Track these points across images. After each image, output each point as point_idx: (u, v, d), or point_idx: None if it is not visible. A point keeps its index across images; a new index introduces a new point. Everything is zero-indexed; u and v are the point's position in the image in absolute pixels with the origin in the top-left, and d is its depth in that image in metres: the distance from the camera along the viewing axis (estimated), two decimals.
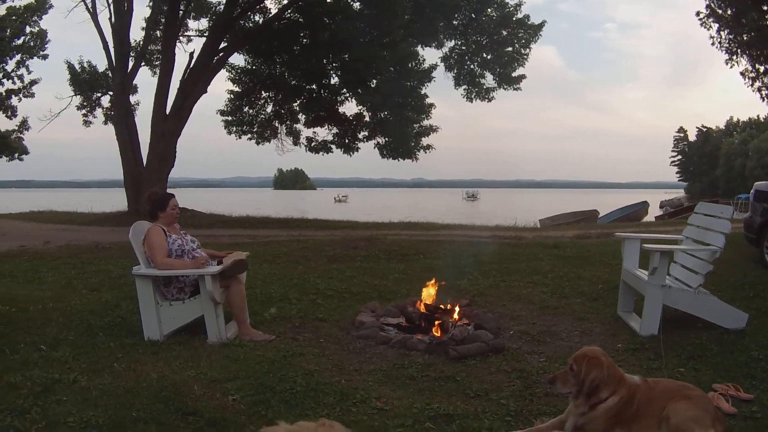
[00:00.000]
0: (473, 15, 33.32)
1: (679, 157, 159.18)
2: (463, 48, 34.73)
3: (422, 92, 34.38)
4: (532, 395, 6.07)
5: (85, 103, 42.07)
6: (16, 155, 56.51)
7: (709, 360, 6.94)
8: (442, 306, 8.92)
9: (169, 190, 9.48)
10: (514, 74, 34.39)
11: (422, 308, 8.93)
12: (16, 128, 55.75)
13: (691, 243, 8.88)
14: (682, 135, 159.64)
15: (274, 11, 34.60)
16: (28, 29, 53.62)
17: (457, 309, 8.91)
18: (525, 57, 34.07)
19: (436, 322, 8.47)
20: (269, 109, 37.80)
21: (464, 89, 35.50)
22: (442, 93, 41.13)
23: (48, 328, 8.77)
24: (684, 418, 4.69)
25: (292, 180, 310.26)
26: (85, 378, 6.52)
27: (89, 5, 34.46)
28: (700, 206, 9.44)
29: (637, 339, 7.89)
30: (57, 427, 5.31)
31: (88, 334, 8.49)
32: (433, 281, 9.46)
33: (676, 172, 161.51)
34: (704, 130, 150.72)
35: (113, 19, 32.94)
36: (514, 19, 33.22)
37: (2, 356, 7.37)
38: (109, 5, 33.32)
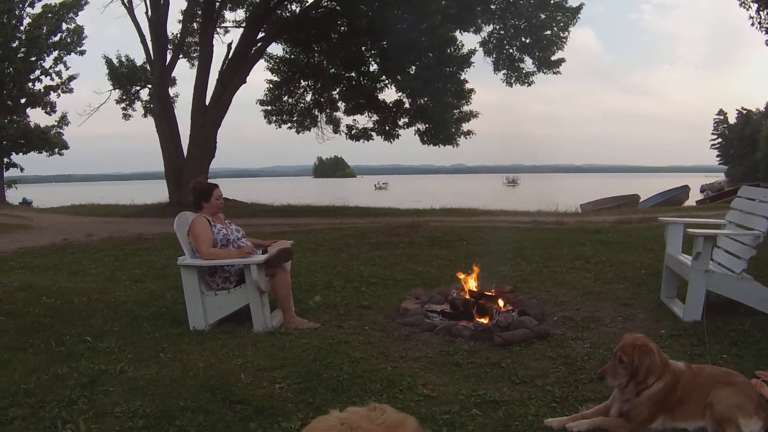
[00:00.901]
0: None
1: (719, 140, 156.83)
2: (502, 32, 34.50)
3: (462, 78, 34.17)
4: (577, 381, 6.07)
5: (124, 97, 42.42)
6: (57, 150, 57.00)
7: (752, 346, 6.88)
8: (486, 292, 8.93)
9: (209, 181, 9.49)
10: (553, 58, 34.12)
11: (467, 295, 8.94)
12: (56, 124, 56.29)
13: (734, 227, 8.78)
14: (721, 117, 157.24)
15: (310, 0, 34.58)
16: (64, 26, 54.18)
17: (500, 295, 8.91)
18: (564, 40, 33.74)
19: (481, 309, 8.47)
20: (308, 97, 37.87)
21: (504, 74, 35.32)
22: (481, 78, 40.89)
23: (93, 319, 8.90)
24: (728, 405, 4.69)
25: (331, 168, 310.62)
26: (131, 368, 6.62)
27: (125, 0, 34.61)
28: (742, 190, 9.35)
29: (681, 325, 7.83)
30: (104, 418, 5.39)
31: (133, 324, 8.60)
32: (475, 268, 9.45)
33: (717, 156, 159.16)
34: (744, 112, 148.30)
35: (150, 13, 33.16)
36: (551, 2, 32.87)
37: (48, 348, 7.49)
38: None
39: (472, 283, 9.19)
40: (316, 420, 3.83)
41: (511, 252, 13.57)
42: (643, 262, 12.04)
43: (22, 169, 57.92)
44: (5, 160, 55.85)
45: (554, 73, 34.59)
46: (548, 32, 33.60)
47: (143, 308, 9.51)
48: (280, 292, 8.58)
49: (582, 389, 5.89)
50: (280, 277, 8.59)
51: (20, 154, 56.25)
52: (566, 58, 34.54)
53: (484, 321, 8.16)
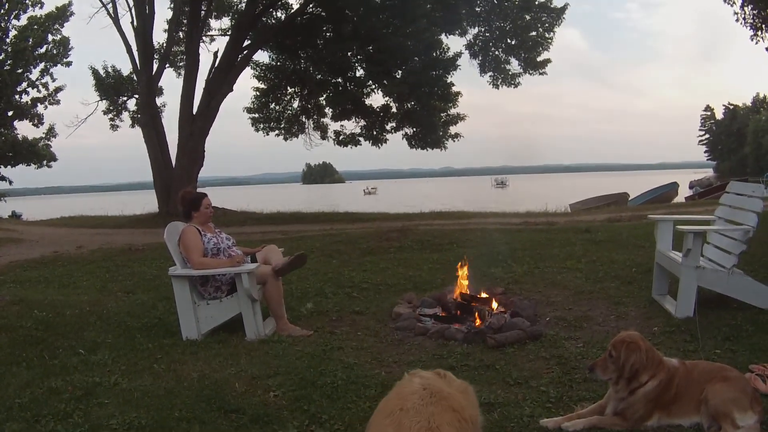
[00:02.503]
0: (495, 1, 33.10)
1: (707, 135, 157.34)
2: (487, 35, 34.44)
3: (448, 81, 34.14)
4: (572, 381, 6.12)
5: (111, 108, 42.32)
6: (45, 162, 57.05)
7: (745, 341, 6.95)
8: (478, 295, 8.97)
9: (199, 190, 9.51)
10: (539, 59, 34.02)
11: (458, 298, 8.97)
12: (44, 136, 56.33)
13: (723, 223, 8.85)
14: (708, 113, 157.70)
15: (296, 6, 34.65)
16: (50, 37, 54.22)
17: (492, 297, 8.93)
18: (549, 41, 33.67)
19: (473, 311, 8.51)
20: (296, 104, 37.82)
21: (490, 76, 35.24)
22: (467, 80, 40.94)
23: (86, 332, 8.86)
24: (723, 400, 4.75)
25: (320, 174, 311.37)
26: (125, 380, 6.62)
27: (110, 10, 34.62)
28: (731, 185, 9.40)
29: (673, 321, 7.90)
30: (100, 430, 5.41)
31: (126, 336, 8.58)
32: (462, 264, 9.50)
33: (705, 151, 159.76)
34: (731, 107, 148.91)
35: (135, 23, 33.09)
36: (536, 3, 32.89)
37: (42, 362, 7.47)
38: (130, 9, 33.50)
39: (462, 281, 9.24)
40: (398, 386, 3.95)
41: (502, 254, 13.58)
42: (634, 260, 12.11)
43: (10, 182, 58.00)
44: None
45: (540, 73, 34.55)
46: (533, 33, 33.53)
47: (135, 319, 9.47)
48: (273, 300, 8.59)
49: (576, 389, 5.93)
50: (272, 285, 8.59)
51: (8, 167, 56.28)
52: (552, 59, 34.54)
53: (477, 323, 8.18)
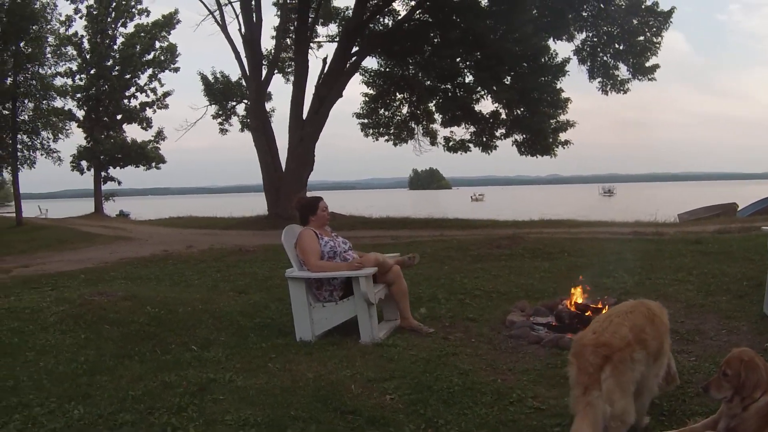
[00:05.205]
0: (602, 5, 32.69)
1: None
2: (595, 39, 34.19)
3: (557, 87, 33.99)
4: (684, 395, 6.07)
5: (220, 112, 43.20)
6: (154, 164, 58.59)
7: None
8: (591, 305, 8.92)
9: (311, 194, 9.61)
10: (647, 64, 33.52)
11: (572, 307, 8.94)
12: (152, 139, 57.94)
13: None
14: None
15: (403, 13, 34.83)
16: (157, 44, 55.89)
17: (605, 308, 8.75)
18: (657, 45, 33.15)
19: (587, 322, 8.38)
20: (405, 110, 38.10)
21: (599, 82, 34.96)
22: (572, 84, 40.40)
23: (198, 329, 9.11)
24: None
25: (427, 180, 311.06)
26: (240, 378, 6.73)
27: (218, 18, 35.32)
28: None
29: None
30: (215, 425, 5.52)
31: (238, 335, 8.81)
32: (580, 280, 9.47)
33: None
34: None
35: (243, 30, 33.68)
36: (643, 6, 32.47)
37: (154, 356, 7.77)
38: (237, 16, 34.23)
39: (577, 296, 9.18)
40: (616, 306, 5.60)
41: (612, 264, 13.38)
42: (745, 273, 11.79)
43: (119, 183, 59.73)
44: (103, 174, 57.41)
45: (649, 79, 33.97)
46: (641, 38, 33.08)
47: (248, 319, 9.69)
48: (399, 298, 8.83)
49: (689, 403, 5.91)
50: (398, 285, 8.80)
51: (117, 168, 57.93)
52: (660, 64, 33.88)
53: None
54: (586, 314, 8.58)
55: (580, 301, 9.04)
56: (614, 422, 4.70)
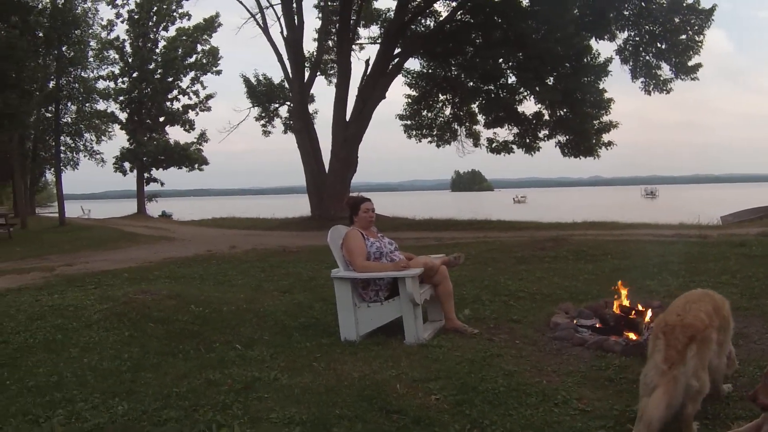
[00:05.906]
0: (643, 3, 32.52)
1: None
2: (637, 39, 33.93)
3: (600, 87, 33.86)
4: (729, 399, 6.02)
5: (263, 114, 43.41)
6: (197, 166, 59.19)
7: None
8: (636, 308, 8.83)
9: (354, 194, 9.62)
10: (690, 63, 33.18)
11: (617, 310, 8.87)
12: (195, 141, 58.52)
13: None
14: None
15: (444, 14, 34.84)
16: (199, 47, 56.49)
17: (650, 311, 8.69)
18: (700, 44, 32.81)
19: (631, 324, 8.40)
20: (447, 111, 38.20)
21: (642, 82, 34.67)
22: (614, 85, 40.05)
23: (242, 328, 9.18)
24: None
25: (469, 181, 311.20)
26: (285, 376, 6.79)
27: (260, 21, 35.53)
28: None
29: None
30: (260, 423, 5.57)
31: (283, 334, 8.84)
32: (620, 284, 9.33)
33: None
34: None
35: (285, 33, 33.83)
36: (684, 4, 32.12)
37: (198, 354, 7.85)
38: (279, 19, 34.35)
39: (621, 298, 9.09)
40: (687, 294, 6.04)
41: (656, 266, 13.34)
42: None
43: (162, 184, 60.53)
44: (145, 175, 57.95)
45: (692, 78, 33.60)
46: (683, 36, 32.78)
47: (292, 318, 9.73)
48: (444, 299, 8.83)
49: (733, 407, 5.86)
50: (444, 285, 8.82)
51: (160, 169, 58.65)
52: (702, 63, 33.58)
53: (634, 337, 8.11)
54: (631, 317, 8.52)
55: (625, 303, 8.94)
56: (698, 394, 5.15)
